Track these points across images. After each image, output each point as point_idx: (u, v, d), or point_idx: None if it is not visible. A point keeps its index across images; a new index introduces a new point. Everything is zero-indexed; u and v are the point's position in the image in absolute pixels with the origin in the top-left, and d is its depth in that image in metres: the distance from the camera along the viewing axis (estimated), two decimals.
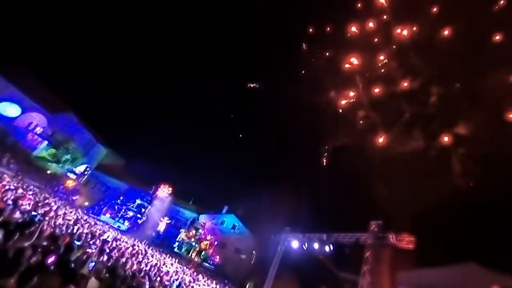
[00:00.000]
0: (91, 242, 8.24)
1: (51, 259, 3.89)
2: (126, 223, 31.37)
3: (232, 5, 41.28)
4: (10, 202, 7.41)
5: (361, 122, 24.89)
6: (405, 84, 22.35)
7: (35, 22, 35.07)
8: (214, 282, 20.57)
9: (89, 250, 6.64)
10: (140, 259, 11.20)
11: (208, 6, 43.16)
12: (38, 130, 29.62)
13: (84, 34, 40.82)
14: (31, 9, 34.53)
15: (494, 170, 19.84)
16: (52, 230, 6.33)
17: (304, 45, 25.70)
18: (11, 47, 27.92)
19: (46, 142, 30.03)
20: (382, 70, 23.13)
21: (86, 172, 33.33)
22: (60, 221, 9.06)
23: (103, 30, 41.47)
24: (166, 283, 10.49)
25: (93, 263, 5.25)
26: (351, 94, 24.73)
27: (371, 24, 22.59)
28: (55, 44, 38.79)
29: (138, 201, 33.18)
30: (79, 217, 15.12)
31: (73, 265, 4.66)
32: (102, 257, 6.94)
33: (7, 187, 10.42)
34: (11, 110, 27.24)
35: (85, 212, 26.93)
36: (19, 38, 33.08)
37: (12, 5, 31.51)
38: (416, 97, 22.84)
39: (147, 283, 7.21)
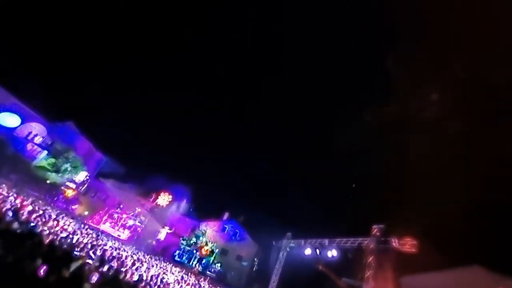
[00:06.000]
0: (90, 252, 8.15)
1: (42, 270, 3.87)
2: (126, 232, 31.05)
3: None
4: (9, 212, 7.37)
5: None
6: None
7: (34, 31, 35.47)
8: None
9: (89, 261, 6.57)
10: (140, 269, 11.05)
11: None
12: (38, 139, 29.63)
13: (83, 42, 41.26)
14: (30, 19, 34.97)
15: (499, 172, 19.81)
16: (51, 240, 6.28)
17: None
18: (11, 56, 28.14)
19: (45, 152, 30.00)
20: None
21: (85, 181, 33.19)
22: (59, 231, 8.99)
23: (103, 37, 41.96)
24: None
25: (97, 277, 5.18)
26: None
27: None
28: (55, 53, 39.17)
29: (138, 210, 32.92)
30: (79, 226, 15.00)
31: (73, 276, 4.61)
32: (102, 267, 6.86)
33: (6, 197, 10.36)
34: (11, 120, 27.30)
35: (85, 221, 26.70)
36: (18, 48, 33.38)
37: (11, 14, 31.90)
38: None
39: None
